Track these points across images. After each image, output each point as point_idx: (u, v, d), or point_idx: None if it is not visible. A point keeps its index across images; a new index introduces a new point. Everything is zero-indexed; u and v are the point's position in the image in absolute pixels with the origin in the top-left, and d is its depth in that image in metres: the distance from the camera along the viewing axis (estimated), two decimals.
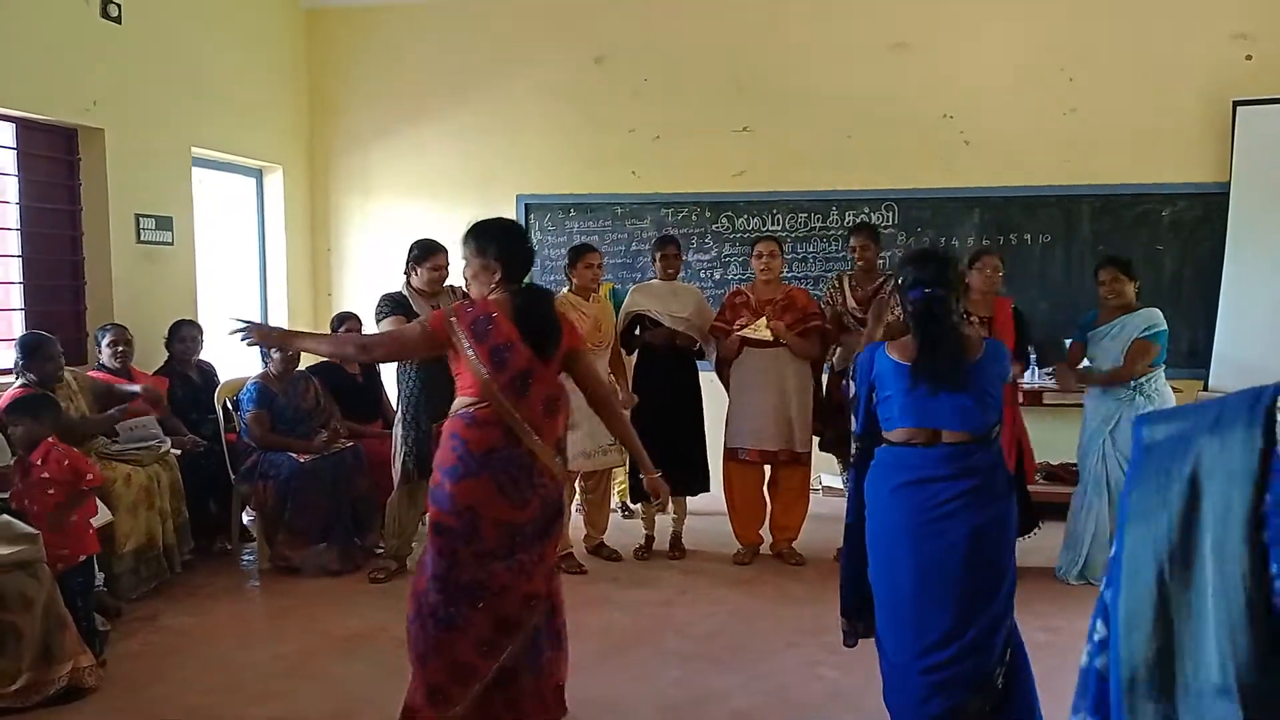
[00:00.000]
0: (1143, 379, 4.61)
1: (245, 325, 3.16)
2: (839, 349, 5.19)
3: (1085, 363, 4.94)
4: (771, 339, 4.93)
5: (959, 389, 2.66)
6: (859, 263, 5.16)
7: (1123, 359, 4.62)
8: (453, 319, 2.92)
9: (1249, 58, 6.01)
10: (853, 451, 3.01)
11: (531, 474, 2.89)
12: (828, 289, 5.36)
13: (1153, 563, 0.92)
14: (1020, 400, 5.23)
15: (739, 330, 5.01)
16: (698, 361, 5.31)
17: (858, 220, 6.31)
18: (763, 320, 4.96)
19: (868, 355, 2.85)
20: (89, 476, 3.83)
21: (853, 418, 3.01)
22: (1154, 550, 0.93)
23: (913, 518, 2.68)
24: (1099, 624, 1.02)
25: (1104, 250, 6.26)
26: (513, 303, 2.95)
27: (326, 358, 4.86)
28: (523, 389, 2.86)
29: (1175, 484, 0.92)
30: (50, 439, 3.84)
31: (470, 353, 2.86)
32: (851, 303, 5.12)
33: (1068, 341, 5.95)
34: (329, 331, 5.85)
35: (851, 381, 2.96)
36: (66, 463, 3.78)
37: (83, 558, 3.77)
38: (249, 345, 3.36)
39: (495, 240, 3.02)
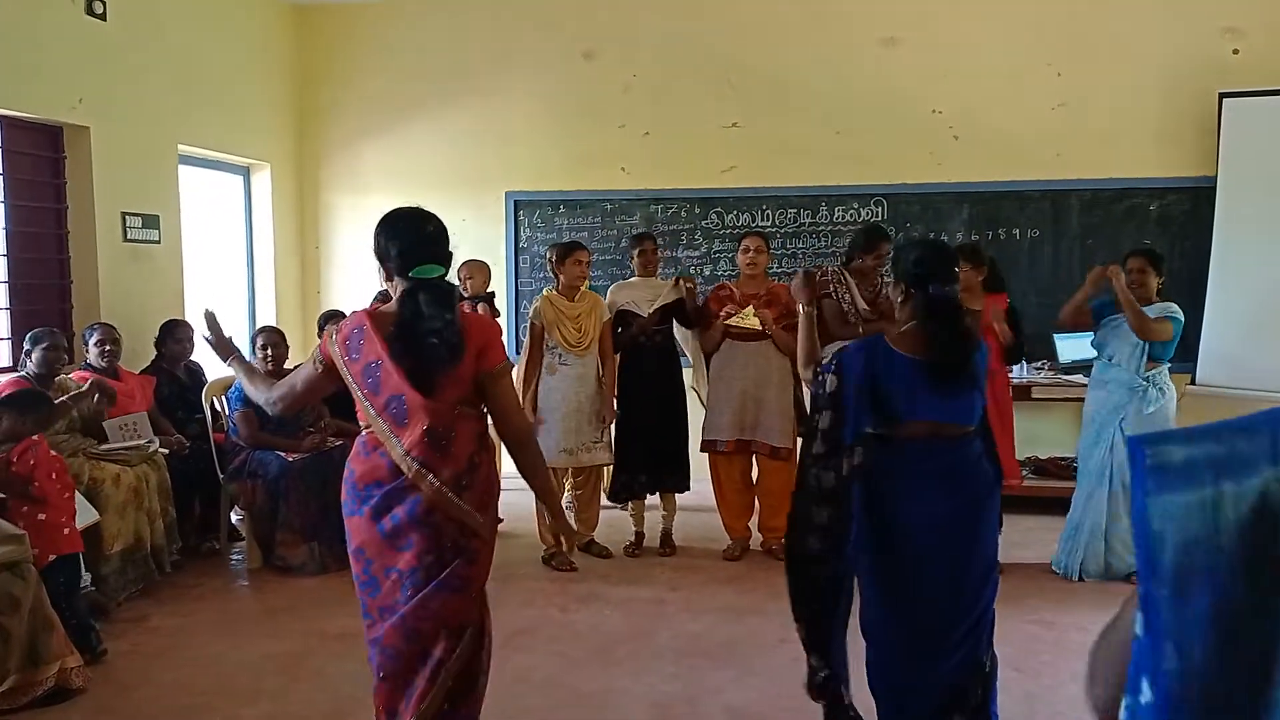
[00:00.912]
0: (1152, 371, 4.62)
1: (211, 327, 2.90)
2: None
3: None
4: (759, 328, 4.93)
5: (973, 384, 2.68)
6: (883, 269, 4.88)
7: (1145, 345, 4.59)
8: (334, 335, 2.55)
9: (1236, 52, 6.03)
10: (836, 461, 2.67)
11: (416, 511, 2.44)
12: (830, 282, 4.99)
13: (1210, 609, 0.86)
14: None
15: (724, 320, 4.99)
16: (680, 359, 5.31)
17: (850, 216, 6.32)
18: (749, 309, 4.95)
19: (861, 352, 2.70)
20: (35, 485, 3.72)
21: (825, 415, 2.71)
22: (1212, 595, 0.86)
23: (921, 509, 2.66)
24: (1143, 685, 0.92)
25: (1093, 245, 6.30)
26: (386, 312, 2.54)
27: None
28: (400, 416, 2.43)
29: (1230, 523, 0.86)
30: (34, 438, 3.81)
31: (346, 373, 2.50)
32: (861, 303, 5.02)
33: (1056, 336, 5.99)
34: (317, 327, 5.84)
35: (830, 377, 2.75)
36: (32, 463, 3.74)
37: (53, 558, 3.70)
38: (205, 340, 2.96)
39: (377, 234, 2.57)
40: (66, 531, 3.80)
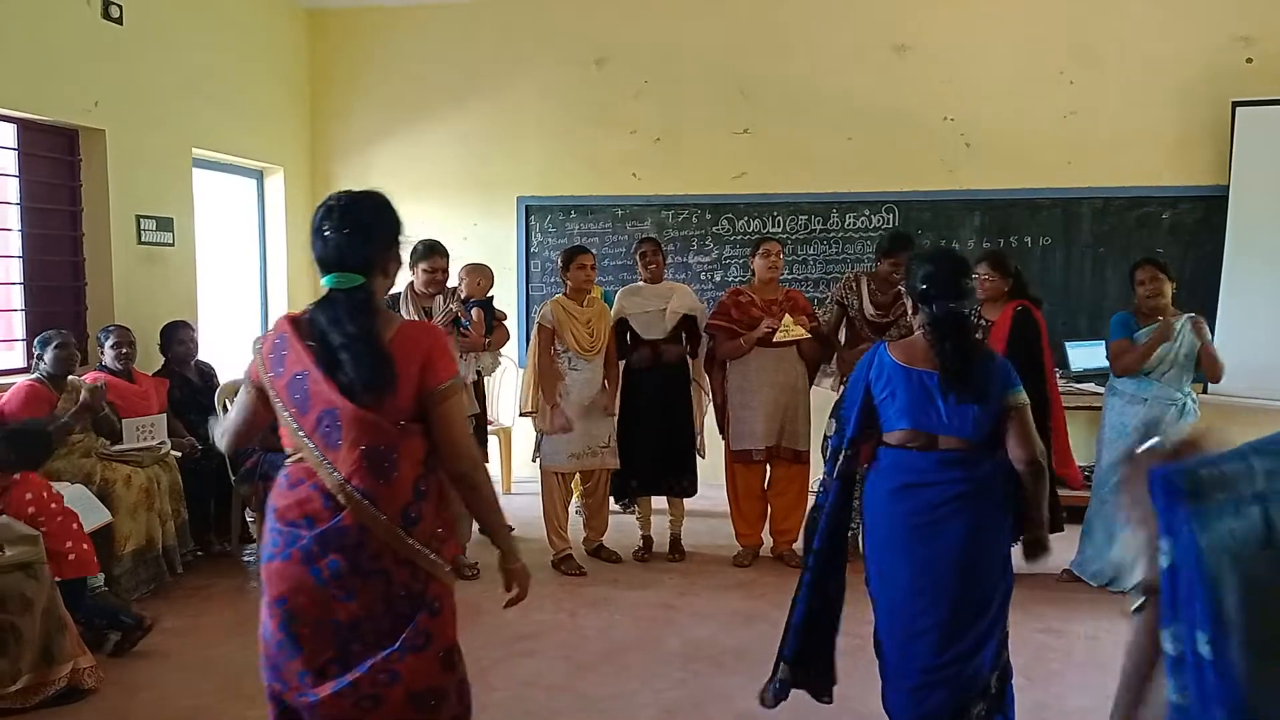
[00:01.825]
0: (1187, 383, 4.64)
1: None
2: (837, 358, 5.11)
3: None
4: (806, 336, 4.95)
5: (975, 399, 2.66)
6: (896, 277, 4.89)
7: (1191, 362, 4.63)
8: (260, 348, 2.20)
9: (1249, 60, 6.01)
10: (838, 461, 2.84)
11: (360, 556, 2.04)
12: (841, 287, 5.18)
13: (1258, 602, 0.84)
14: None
15: (767, 332, 4.90)
16: (688, 359, 5.29)
17: (861, 223, 6.32)
18: (789, 319, 4.93)
19: (869, 354, 2.83)
20: (29, 517, 3.69)
21: (834, 421, 2.93)
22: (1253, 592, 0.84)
23: (908, 520, 2.69)
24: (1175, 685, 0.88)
25: (1104, 253, 6.29)
26: (309, 315, 2.16)
27: None
28: (332, 436, 2.05)
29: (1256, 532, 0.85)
30: (16, 477, 3.75)
31: (271, 391, 2.13)
32: (869, 308, 5.01)
33: (1068, 344, 5.98)
34: None
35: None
36: (28, 497, 3.72)
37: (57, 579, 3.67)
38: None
39: (312, 225, 2.18)
40: (72, 557, 3.77)
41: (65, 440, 4.29)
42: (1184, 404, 4.61)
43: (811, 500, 5.39)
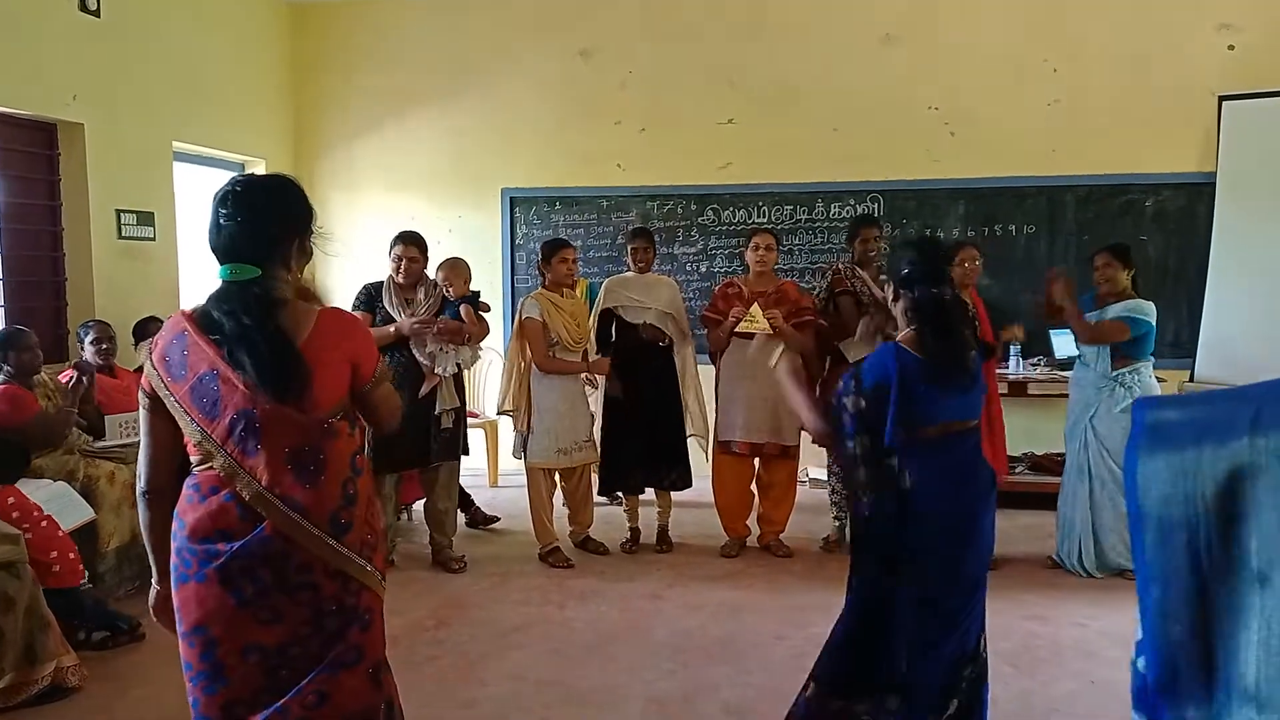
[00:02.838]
0: (1124, 369, 4.60)
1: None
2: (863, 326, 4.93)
3: (1069, 344, 4.97)
4: (768, 330, 4.84)
5: (971, 381, 2.69)
6: (871, 254, 4.99)
7: (1100, 348, 4.64)
8: (152, 353, 1.97)
9: (1231, 48, 6.03)
10: (869, 473, 2.63)
11: (287, 570, 1.88)
12: (841, 279, 5.05)
13: (1186, 556, 0.92)
14: (1004, 391, 5.24)
15: (733, 323, 4.89)
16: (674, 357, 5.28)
17: (847, 212, 6.34)
18: (756, 309, 4.89)
19: (882, 357, 2.69)
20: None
21: (855, 426, 2.67)
22: (1189, 545, 0.92)
23: (959, 506, 2.67)
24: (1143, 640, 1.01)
25: (1089, 240, 6.31)
26: (205, 308, 1.97)
27: None
28: (248, 442, 1.86)
29: (1207, 480, 0.91)
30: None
31: (171, 400, 1.91)
32: (879, 290, 4.95)
33: (1051, 332, 6.01)
34: None
35: (851, 399, 2.73)
36: (16, 515, 3.69)
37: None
38: None
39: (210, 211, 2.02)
40: (56, 569, 3.74)
41: (67, 431, 4.27)
42: (1113, 389, 4.61)
43: (799, 490, 5.43)
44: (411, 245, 4.75)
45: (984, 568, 2.75)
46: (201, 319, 1.94)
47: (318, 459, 1.90)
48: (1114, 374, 4.62)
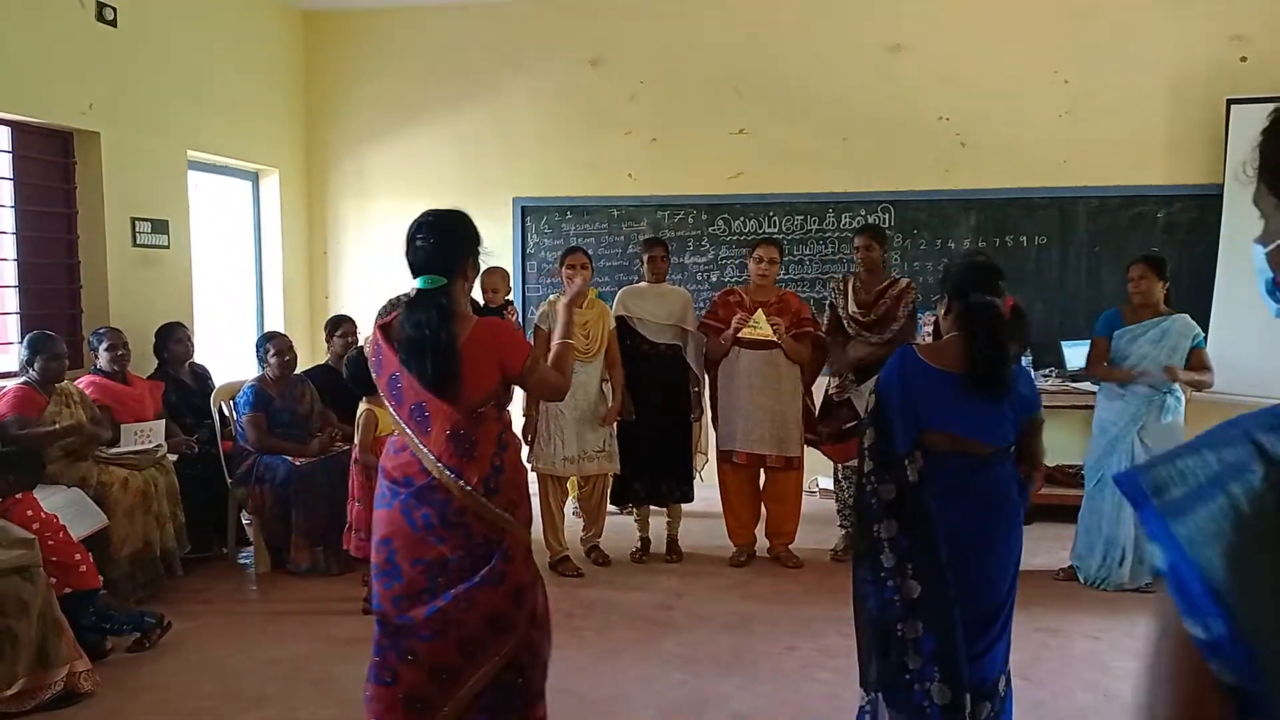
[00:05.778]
0: (1177, 386, 4.60)
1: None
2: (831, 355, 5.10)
3: (1080, 356, 4.94)
4: (770, 336, 4.87)
5: (999, 401, 2.66)
6: (861, 264, 5.09)
7: (1176, 367, 4.57)
8: (368, 356, 2.79)
9: (1244, 59, 6.02)
10: (893, 473, 2.65)
11: (447, 512, 2.54)
12: (831, 289, 5.25)
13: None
14: None
15: (735, 329, 4.92)
16: (688, 370, 5.27)
17: (857, 222, 6.35)
18: (760, 316, 4.90)
19: (899, 364, 2.71)
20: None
21: (869, 431, 2.72)
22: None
23: (961, 525, 2.64)
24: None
25: (1100, 252, 6.30)
26: (394, 322, 2.64)
27: None
28: (423, 423, 2.54)
29: (1258, 512, 0.87)
30: (19, 496, 3.76)
31: (379, 385, 2.67)
32: (852, 306, 5.02)
33: (1064, 344, 5.99)
34: (325, 332, 5.82)
35: (858, 390, 2.80)
36: (35, 527, 3.71)
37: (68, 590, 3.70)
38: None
39: (407, 236, 2.68)
40: (83, 569, 3.78)
41: (49, 446, 4.28)
42: (1164, 401, 4.60)
43: (807, 500, 5.43)
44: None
45: (1000, 597, 2.70)
46: (389, 330, 2.60)
47: (471, 439, 2.54)
48: (1171, 387, 4.60)
